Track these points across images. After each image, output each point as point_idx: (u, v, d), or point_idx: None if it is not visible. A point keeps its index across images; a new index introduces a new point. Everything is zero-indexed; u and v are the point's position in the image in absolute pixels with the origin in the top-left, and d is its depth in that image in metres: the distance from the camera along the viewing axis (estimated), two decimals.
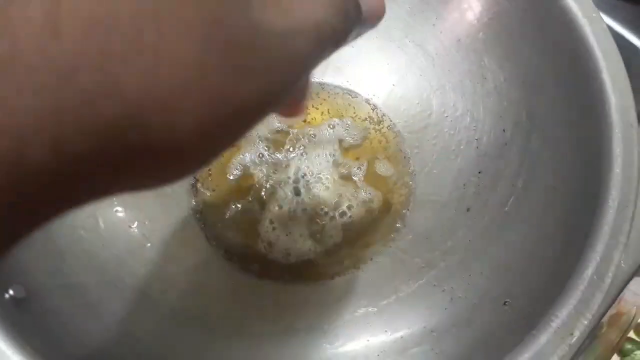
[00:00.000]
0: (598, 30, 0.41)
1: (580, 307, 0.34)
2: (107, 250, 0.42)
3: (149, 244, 0.44)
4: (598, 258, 0.35)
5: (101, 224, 0.42)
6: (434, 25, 0.51)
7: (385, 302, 0.44)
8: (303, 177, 0.51)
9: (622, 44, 0.59)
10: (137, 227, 0.44)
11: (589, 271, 0.35)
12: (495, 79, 0.47)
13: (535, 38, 0.44)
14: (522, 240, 0.41)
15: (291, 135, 0.53)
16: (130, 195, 0.44)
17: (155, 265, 0.43)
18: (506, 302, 0.38)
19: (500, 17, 0.47)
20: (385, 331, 0.42)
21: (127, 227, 0.44)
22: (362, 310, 0.43)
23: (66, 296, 0.38)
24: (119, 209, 0.44)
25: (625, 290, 0.51)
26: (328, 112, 0.54)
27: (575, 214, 0.39)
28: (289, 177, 0.51)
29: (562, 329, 0.33)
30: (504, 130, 0.46)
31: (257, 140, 0.52)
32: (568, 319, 0.33)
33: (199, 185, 0.50)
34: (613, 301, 0.50)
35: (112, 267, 0.42)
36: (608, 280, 0.34)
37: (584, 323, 0.33)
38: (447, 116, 0.50)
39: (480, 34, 0.48)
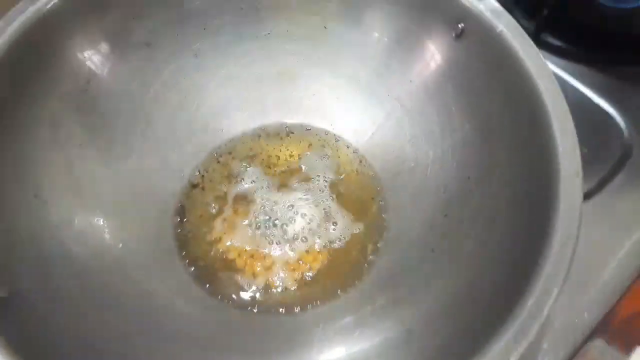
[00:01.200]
0: (549, 86, 0.44)
1: (518, 336, 0.36)
2: (93, 263, 0.45)
3: (130, 263, 0.47)
4: (538, 291, 0.37)
5: (87, 237, 0.46)
6: (411, 81, 0.55)
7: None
8: (281, 210, 0.55)
9: (592, 108, 0.64)
10: (122, 247, 0.48)
11: (528, 302, 0.37)
12: (462, 129, 0.51)
13: (495, 91, 0.48)
14: (475, 278, 0.44)
15: (275, 169, 0.57)
16: (114, 214, 0.48)
17: (135, 284, 0.47)
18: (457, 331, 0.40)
19: (463, 72, 0.51)
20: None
21: (111, 244, 0.48)
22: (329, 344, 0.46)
23: (51, 300, 0.41)
24: (103, 224, 0.48)
25: (592, 348, 0.52)
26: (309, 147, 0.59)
27: (524, 252, 0.41)
28: (267, 212, 0.55)
29: (500, 355, 0.35)
30: (468, 178, 0.50)
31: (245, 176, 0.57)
32: (506, 346, 0.36)
33: (184, 213, 0.54)
34: (577, 351, 0.52)
35: (95, 279, 0.45)
36: (545, 312, 0.36)
37: (519, 350, 0.35)
38: (419, 164, 0.54)
39: (449, 86, 0.52)
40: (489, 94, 0.49)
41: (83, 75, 0.49)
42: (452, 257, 0.47)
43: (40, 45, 0.46)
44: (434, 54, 0.52)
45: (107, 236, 0.48)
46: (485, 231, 0.46)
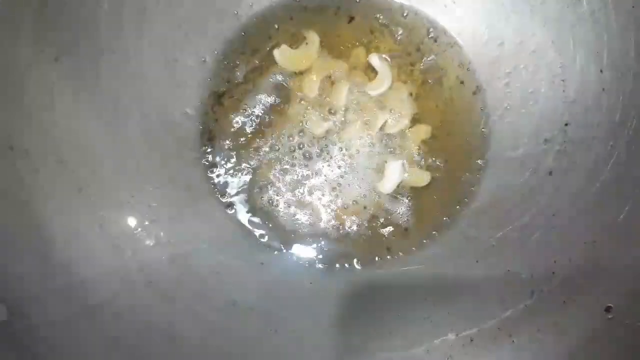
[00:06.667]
0: None
1: None
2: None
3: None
4: None
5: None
6: None
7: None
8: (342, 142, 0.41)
9: None
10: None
11: None
12: (592, 2, 0.36)
13: None
14: (625, 220, 0.33)
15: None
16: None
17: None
18: (609, 307, 0.31)
19: None
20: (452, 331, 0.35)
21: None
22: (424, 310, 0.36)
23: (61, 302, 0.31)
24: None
25: None
26: (374, 38, 0.43)
27: None
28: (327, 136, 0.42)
29: None
30: (601, 71, 0.36)
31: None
32: None
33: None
34: None
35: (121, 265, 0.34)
36: None
37: None
38: (524, 48, 0.40)
39: None
40: None
41: None
42: (581, 186, 0.36)
43: None
44: None
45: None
46: (633, 153, 0.34)
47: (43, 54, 0.34)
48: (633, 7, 0.34)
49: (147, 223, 0.36)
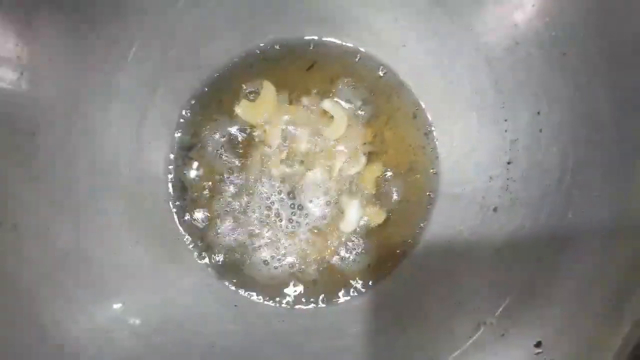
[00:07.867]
0: None
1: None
2: None
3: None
4: None
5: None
6: None
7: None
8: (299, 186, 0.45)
9: None
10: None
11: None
12: (526, 46, 0.38)
13: None
14: (562, 257, 0.36)
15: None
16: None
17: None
18: (539, 343, 0.34)
19: None
20: None
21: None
22: (382, 343, 0.40)
23: None
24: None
25: None
26: (331, 83, 0.46)
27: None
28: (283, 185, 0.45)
29: None
30: (538, 113, 0.38)
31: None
32: None
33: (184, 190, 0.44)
34: None
35: None
36: None
37: None
38: (470, 88, 0.42)
39: None
40: None
41: None
42: (521, 224, 0.39)
43: None
44: None
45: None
46: (569, 196, 0.37)
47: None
48: (564, 54, 0.36)
49: (127, 278, 0.40)
